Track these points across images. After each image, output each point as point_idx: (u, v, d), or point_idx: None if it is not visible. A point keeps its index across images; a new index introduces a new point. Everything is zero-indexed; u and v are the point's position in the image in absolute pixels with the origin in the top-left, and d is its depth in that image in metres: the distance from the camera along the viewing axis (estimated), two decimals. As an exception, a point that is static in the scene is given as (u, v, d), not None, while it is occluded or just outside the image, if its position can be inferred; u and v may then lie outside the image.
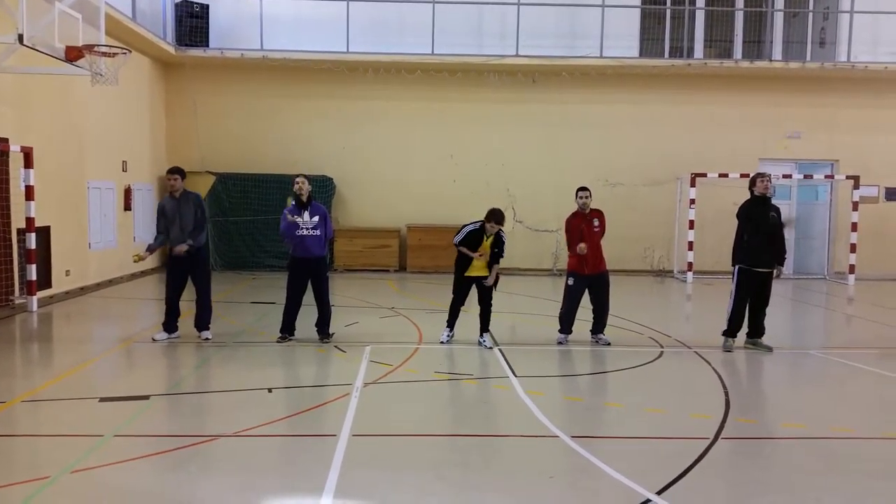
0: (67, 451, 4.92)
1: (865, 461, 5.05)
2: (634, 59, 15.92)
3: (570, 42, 16.11)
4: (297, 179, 8.46)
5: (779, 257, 8.36)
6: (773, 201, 8.61)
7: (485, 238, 8.28)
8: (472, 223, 8.37)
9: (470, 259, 8.33)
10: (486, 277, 8.39)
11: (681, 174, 16.01)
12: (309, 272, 8.45)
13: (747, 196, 8.52)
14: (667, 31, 16.45)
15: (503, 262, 8.48)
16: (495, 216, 8.20)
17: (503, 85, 16.30)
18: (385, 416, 5.85)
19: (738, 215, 8.46)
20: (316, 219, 8.33)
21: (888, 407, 6.53)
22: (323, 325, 8.60)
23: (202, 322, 8.59)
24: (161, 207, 8.48)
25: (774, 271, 8.35)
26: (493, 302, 8.53)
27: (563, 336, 8.72)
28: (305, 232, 8.29)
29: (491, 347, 8.34)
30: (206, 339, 8.48)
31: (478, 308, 8.54)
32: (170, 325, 8.52)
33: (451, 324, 8.59)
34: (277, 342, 8.43)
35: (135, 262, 8.54)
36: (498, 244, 8.34)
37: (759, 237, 8.23)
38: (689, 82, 16.37)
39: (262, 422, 5.55)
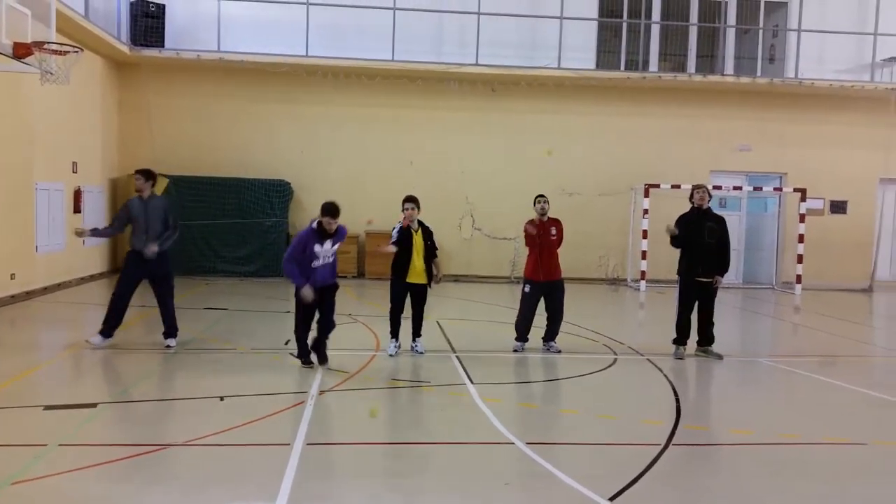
0: (9, 461, 4.75)
1: (809, 465, 5.21)
2: (591, 71, 16.18)
3: (529, 53, 16.29)
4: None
5: (720, 266, 8.53)
6: (721, 213, 8.85)
7: (413, 233, 8.13)
8: (395, 228, 8.23)
9: (407, 265, 8.08)
10: (423, 285, 8.23)
11: (635, 185, 16.31)
12: (320, 300, 7.44)
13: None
14: (623, 45, 16.76)
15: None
16: (407, 198, 8.17)
17: (463, 93, 16.38)
18: (341, 425, 5.80)
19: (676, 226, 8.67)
20: (336, 246, 7.35)
21: (830, 412, 6.74)
22: (323, 349, 7.59)
23: (171, 330, 8.32)
24: (128, 206, 8.28)
25: (715, 280, 8.54)
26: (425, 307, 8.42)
27: (519, 344, 8.78)
28: (321, 262, 7.28)
29: (423, 352, 8.30)
30: (169, 346, 8.22)
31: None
32: (109, 330, 8.16)
33: (395, 334, 8.32)
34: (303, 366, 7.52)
35: (76, 234, 8.28)
36: (429, 235, 8.23)
37: (696, 247, 8.43)
38: (644, 95, 16.72)
39: (213, 431, 5.44)
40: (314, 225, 7.11)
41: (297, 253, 7.16)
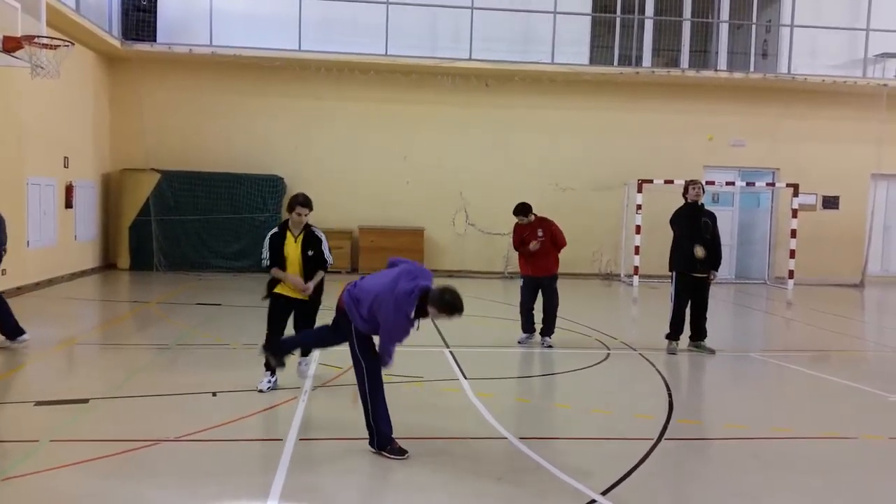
0: (0, 457, 4.72)
1: (800, 459, 5.23)
2: (585, 66, 16.17)
3: (522, 47, 16.27)
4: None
5: (713, 262, 8.57)
6: (714, 208, 8.87)
7: (292, 238, 6.43)
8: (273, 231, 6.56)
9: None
10: (302, 300, 6.45)
11: (628, 180, 16.32)
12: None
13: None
14: (616, 40, 16.75)
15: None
16: (297, 200, 6.42)
17: (456, 88, 16.35)
18: (333, 420, 5.79)
19: (672, 222, 8.68)
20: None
21: (820, 407, 6.77)
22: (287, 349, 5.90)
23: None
24: None
25: (709, 275, 8.58)
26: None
27: (523, 336, 8.85)
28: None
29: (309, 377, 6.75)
30: None
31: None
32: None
33: (270, 366, 6.28)
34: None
35: None
36: (312, 244, 6.45)
37: (692, 243, 8.45)
38: (638, 90, 16.72)
39: (205, 426, 5.43)
40: (411, 313, 4.87)
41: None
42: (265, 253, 6.42)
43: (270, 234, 6.53)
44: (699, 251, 8.35)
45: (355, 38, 15.65)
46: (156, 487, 4.40)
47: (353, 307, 5.05)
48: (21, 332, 7.93)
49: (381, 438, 4.98)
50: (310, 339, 6.06)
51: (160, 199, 15.16)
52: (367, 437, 5.05)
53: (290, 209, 6.48)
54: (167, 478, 4.55)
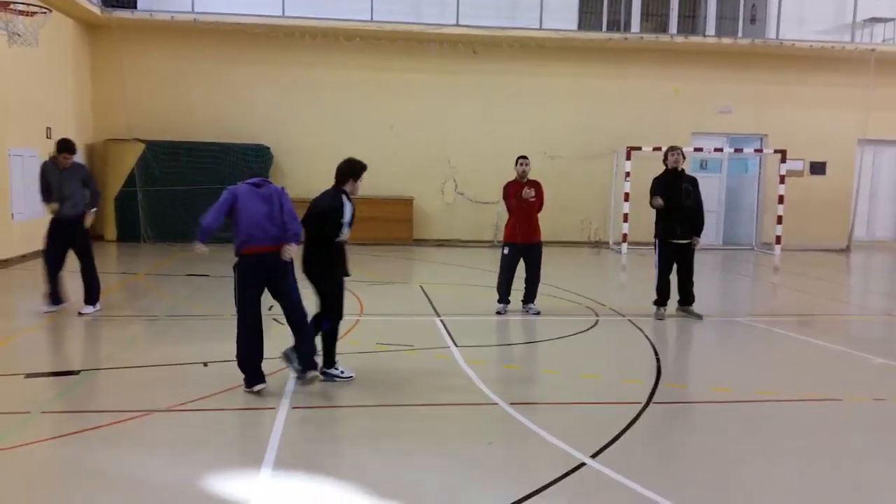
0: (-9, 429, 4.72)
1: (786, 421, 5.32)
2: (573, 32, 16.02)
3: (510, 13, 16.09)
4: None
5: (695, 228, 8.61)
6: (701, 175, 8.87)
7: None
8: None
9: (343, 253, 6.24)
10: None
11: (617, 147, 16.29)
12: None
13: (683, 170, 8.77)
14: (605, 5, 16.58)
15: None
16: (363, 166, 6.64)
17: (444, 55, 16.17)
18: (325, 389, 5.82)
19: (650, 190, 8.69)
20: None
21: (806, 370, 6.87)
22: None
23: (91, 296, 8.22)
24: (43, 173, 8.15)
25: (692, 242, 8.63)
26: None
27: (501, 306, 8.83)
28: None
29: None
30: (85, 313, 8.10)
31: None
32: (56, 295, 8.17)
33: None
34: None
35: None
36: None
37: (673, 210, 8.47)
38: (626, 56, 16.60)
39: (197, 396, 5.44)
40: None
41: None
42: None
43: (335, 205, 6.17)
44: (657, 201, 8.40)
45: (340, 4, 15.38)
46: (148, 457, 4.41)
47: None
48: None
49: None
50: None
51: (145, 170, 14.98)
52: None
53: (357, 177, 6.47)
54: (159, 448, 4.57)
